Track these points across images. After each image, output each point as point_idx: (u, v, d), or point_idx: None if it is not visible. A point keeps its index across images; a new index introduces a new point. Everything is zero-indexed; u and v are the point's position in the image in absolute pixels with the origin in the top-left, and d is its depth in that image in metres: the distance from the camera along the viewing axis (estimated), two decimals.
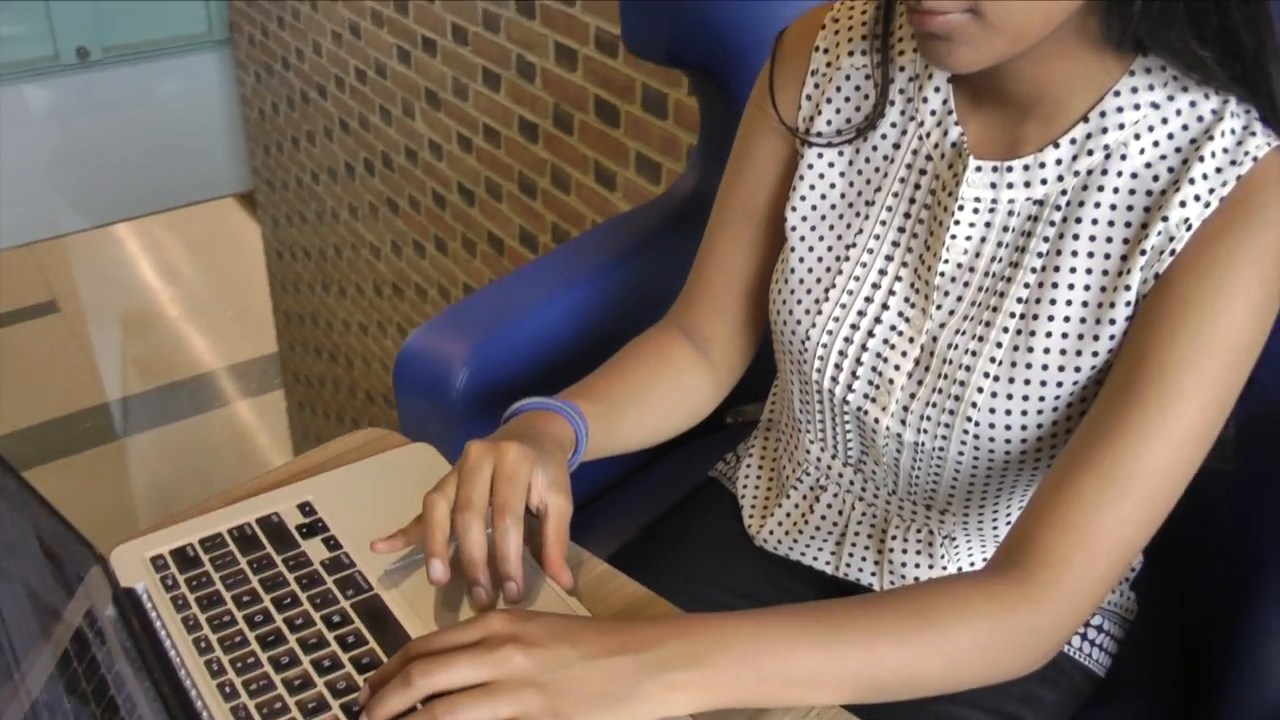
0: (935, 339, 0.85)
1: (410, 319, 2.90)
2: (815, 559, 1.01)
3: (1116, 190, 0.78)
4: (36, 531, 0.74)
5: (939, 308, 0.85)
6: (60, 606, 0.71)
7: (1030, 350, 0.81)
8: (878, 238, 0.88)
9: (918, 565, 0.96)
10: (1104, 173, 0.78)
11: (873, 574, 0.98)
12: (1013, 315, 0.82)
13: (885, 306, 0.88)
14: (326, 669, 0.75)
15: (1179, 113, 0.77)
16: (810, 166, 0.91)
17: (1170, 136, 0.77)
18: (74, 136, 3.47)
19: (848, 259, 0.89)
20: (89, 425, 4.29)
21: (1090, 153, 0.78)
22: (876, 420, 0.89)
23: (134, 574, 0.82)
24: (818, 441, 0.97)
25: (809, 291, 0.91)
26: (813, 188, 0.91)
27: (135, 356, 4.63)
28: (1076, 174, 0.79)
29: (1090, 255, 0.79)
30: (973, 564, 0.96)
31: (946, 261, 0.84)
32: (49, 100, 3.36)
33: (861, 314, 0.88)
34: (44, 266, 5.01)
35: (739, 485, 1.07)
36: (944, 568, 0.95)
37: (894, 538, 0.96)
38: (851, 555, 0.99)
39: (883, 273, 0.88)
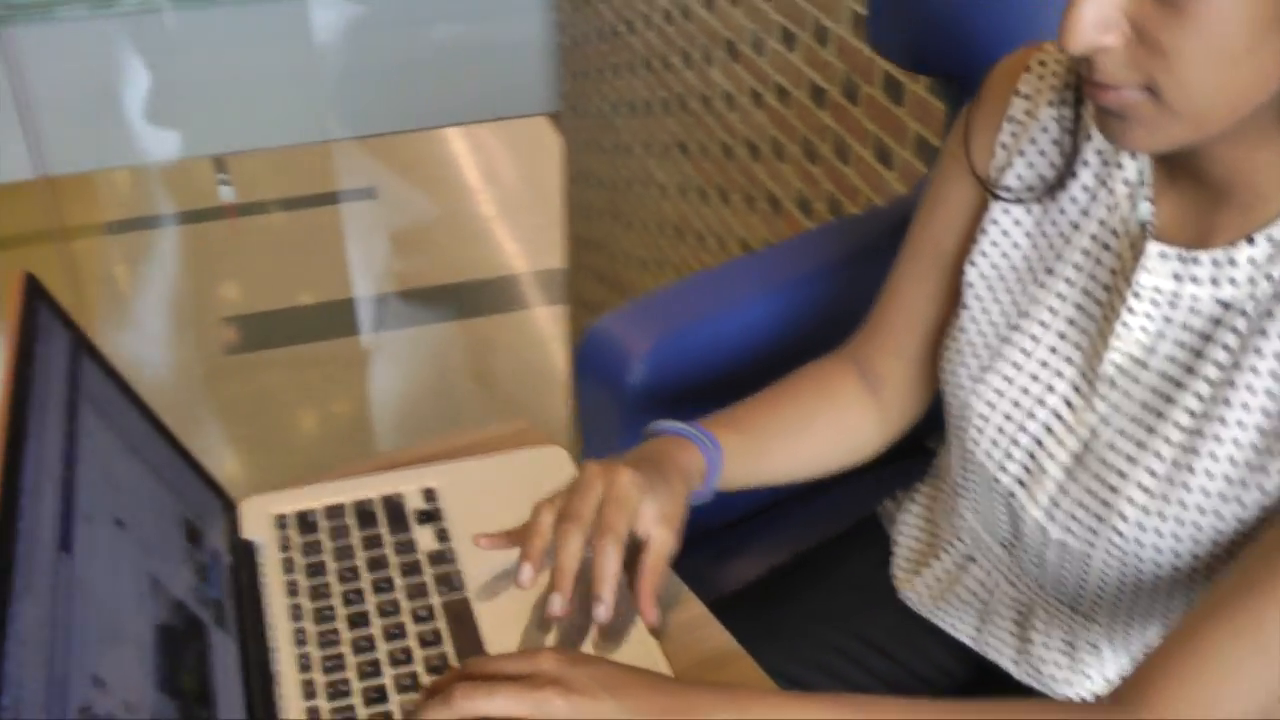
0: (1095, 435, 0.79)
1: (686, 263, 2.93)
2: (956, 628, 0.97)
3: None
4: (178, 477, 0.81)
5: (1103, 401, 0.78)
6: (189, 546, 0.77)
7: (1191, 470, 0.73)
8: (1053, 311, 0.82)
9: (1058, 665, 0.90)
10: None
11: (1013, 660, 0.93)
12: (1179, 426, 0.74)
13: (1050, 389, 0.82)
14: (398, 661, 0.78)
15: None
16: (995, 222, 0.85)
17: None
18: (409, 42, 3.69)
19: (1019, 329, 0.84)
20: (388, 309, 4.59)
21: None
22: (1024, 507, 0.83)
23: (256, 527, 0.88)
24: (972, 510, 0.92)
25: (976, 356, 0.86)
26: (995, 245, 0.86)
27: (438, 250, 4.90)
28: (1270, 278, 0.70)
29: (1274, 376, 0.70)
30: (1121, 677, 0.89)
31: (1117, 352, 0.77)
32: (394, 6, 3.60)
33: (1025, 391, 0.83)
34: (372, 157, 5.35)
35: (895, 532, 1.04)
36: (1085, 675, 0.89)
37: (1037, 630, 0.90)
38: (993, 636, 0.94)
39: (1053, 350, 0.82)
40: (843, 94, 2.10)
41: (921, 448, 1.18)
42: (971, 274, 0.86)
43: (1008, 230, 0.85)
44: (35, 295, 0.74)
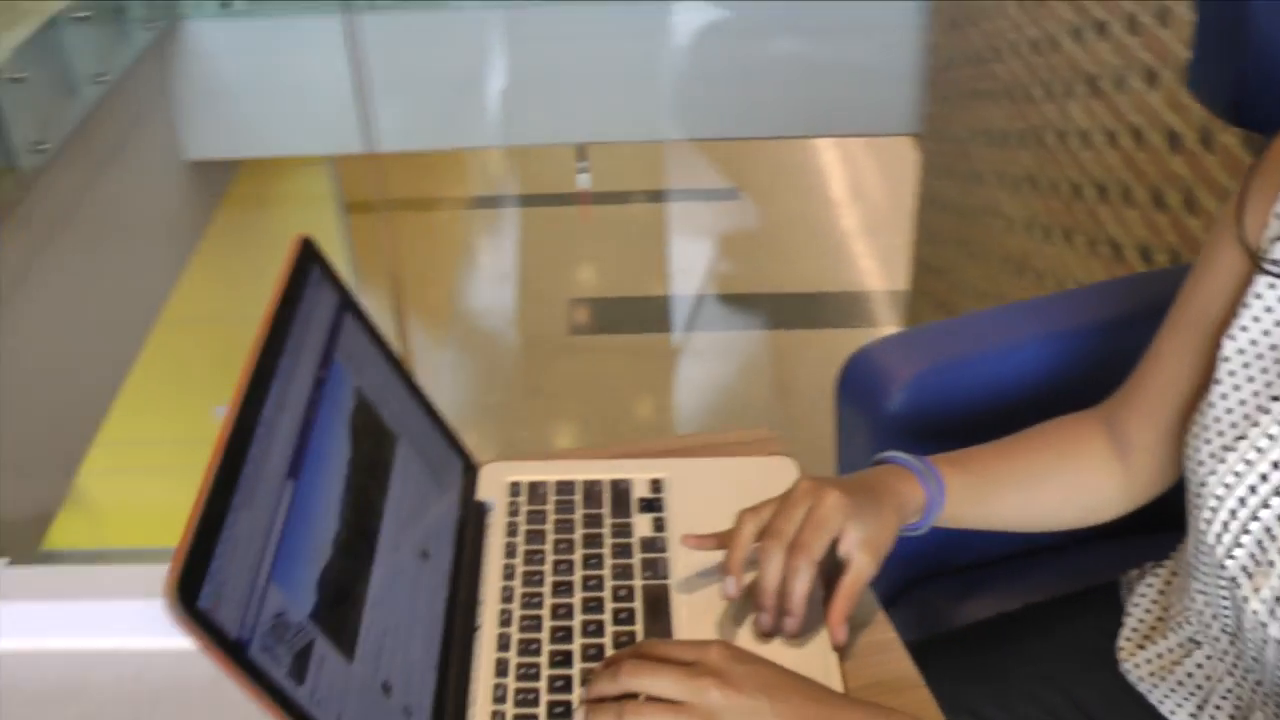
0: None
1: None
2: (1173, 713, 0.92)
3: None
4: (423, 433, 0.90)
5: None
6: (436, 496, 0.86)
7: None
8: None
9: None
10: None
11: None
12: None
13: None
14: (589, 632, 0.83)
15: None
16: (1259, 296, 0.81)
17: None
18: (779, 49, 3.76)
19: (1269, 411, 0.79)
20: (729, 309, 4.69)
21: None
22: (1245, 599, 0.79)
23: (492, 490, 0.96)
24: (1200, 592, 0.88)
25: (1220, 433, 0.82)
26: (1256, 320, 0.81)
27: (790, 257, 4.96)
28: None
29: None
30: None
31: None
32: (767, 13, 3.68)
33: (1264, 478, 0.78)
34: (734, 159, 5.48)
35: (1130, 603, 1.00)
36: None
37: None
38: None
39: None
40: (1198, 140, 2.00)
41: (1177, 522, 1.12)
42: (1228, 348, 0.83)
43: (1270, 307, 0.80)
44: (308, 255, 0.84)
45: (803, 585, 0.80)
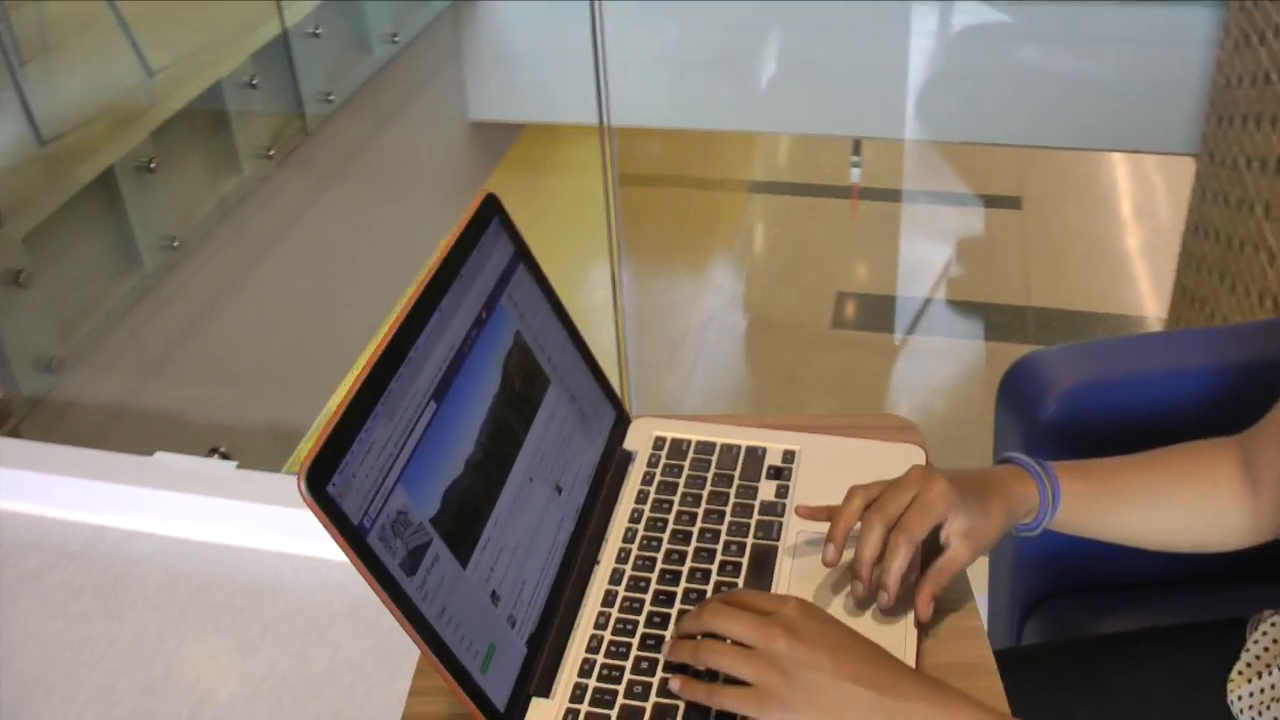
0: None
1: None
2: None
3: None
4: (580, 381, 0.99)
5: None
6: (581, 439, 0.96)
7: None
8: None
9: None
10: None
11: None
12: None
13: None
14: (694, 578, 0.91)
15: None
16: None
17: None
18: (1062, 56, 3.69)
19: None
20: (991, 318, 4.63)
21: None
22: None
23: (638, 441, 1.04)
24: None
25: None
26: None
27: (1063, 271, 4.84)
28: None
29: None
30: None
31: None
32: (1051, 19, 3.62)
33: None
34: (1021, 166, 5.37)
35: (1252, 639, 1.00)
36: None
37: None
38: None
39: None
40: None
41: None
42: None
43: None
44: (490, 207, 0.94)
45: (900, 563, 0.85)
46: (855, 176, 5.06)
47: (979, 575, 1.40)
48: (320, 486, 0.71)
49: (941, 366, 4.53)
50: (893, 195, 5.53)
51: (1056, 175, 5.52)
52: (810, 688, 0.75)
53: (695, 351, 4.94)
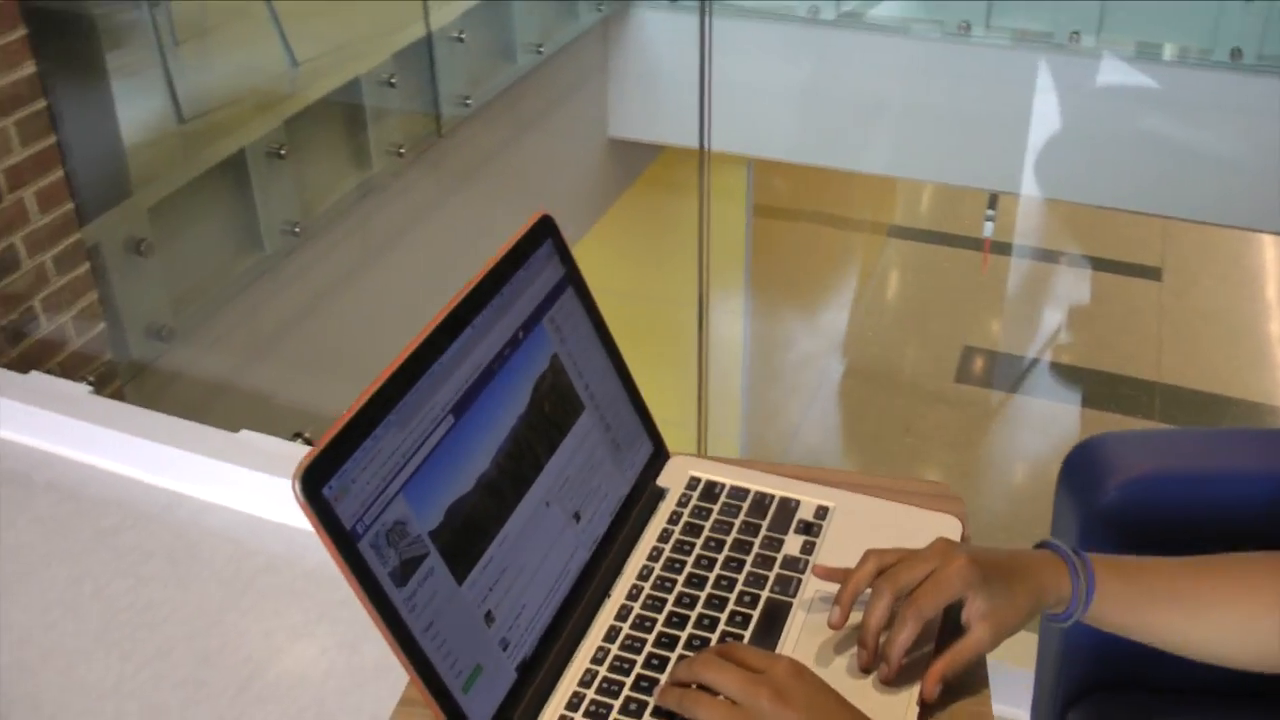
0: None
1: None
2: None
3: None
4: (618, 411, 0.99)
5: None
6: (611, 470, 0.96)
7: None
8: None
9: None
10: None
11: None
12: None
13: None
14: (701, 624, 0.89)
15: None
16: None
17: None
18: (1198, 125, 3.59)
19: None
20: (1118, 390, 4.51)
21: None
22: None
23: (672, 479, 1.03)
24: None
25: None
26: None
27: (1196, 351, 4.70)
28: None
29: None
30: None
31: None
32: (1178, 85, 3.52)
33: None
34: (1165, 238, 5.23)
35: None
36: None
37: None
38: None
39: None
40: None
41: None
42: None
43: None
44: (545, 229, 0.95)
45: (904, 637, 0.83)
46: (988, 231, 4.98)
47: (1026, 655, 1.36)
48: (316, 488, 0.71)
49: (1061, 433, 4.42)
50: (1028, 253, 5.43)
51: (1200, 250, 5.36)
52: None
53: (812, 391, 4.90)
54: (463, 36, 3.74)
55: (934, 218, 5.89)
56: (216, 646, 1.83)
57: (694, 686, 0.80)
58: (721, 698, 0.78)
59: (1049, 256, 5.32)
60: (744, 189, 5.15)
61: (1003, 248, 5.21)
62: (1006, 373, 4.74)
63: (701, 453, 1.07)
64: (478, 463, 0.83)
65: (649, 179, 5.31)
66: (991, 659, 0.88)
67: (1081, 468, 1.15)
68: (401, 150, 3.56)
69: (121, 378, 2.56)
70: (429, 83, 3.67)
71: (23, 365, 2.28)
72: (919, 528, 0.97)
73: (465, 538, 0.81)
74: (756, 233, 5.28)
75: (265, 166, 3.04)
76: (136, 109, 3.02)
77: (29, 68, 2.21)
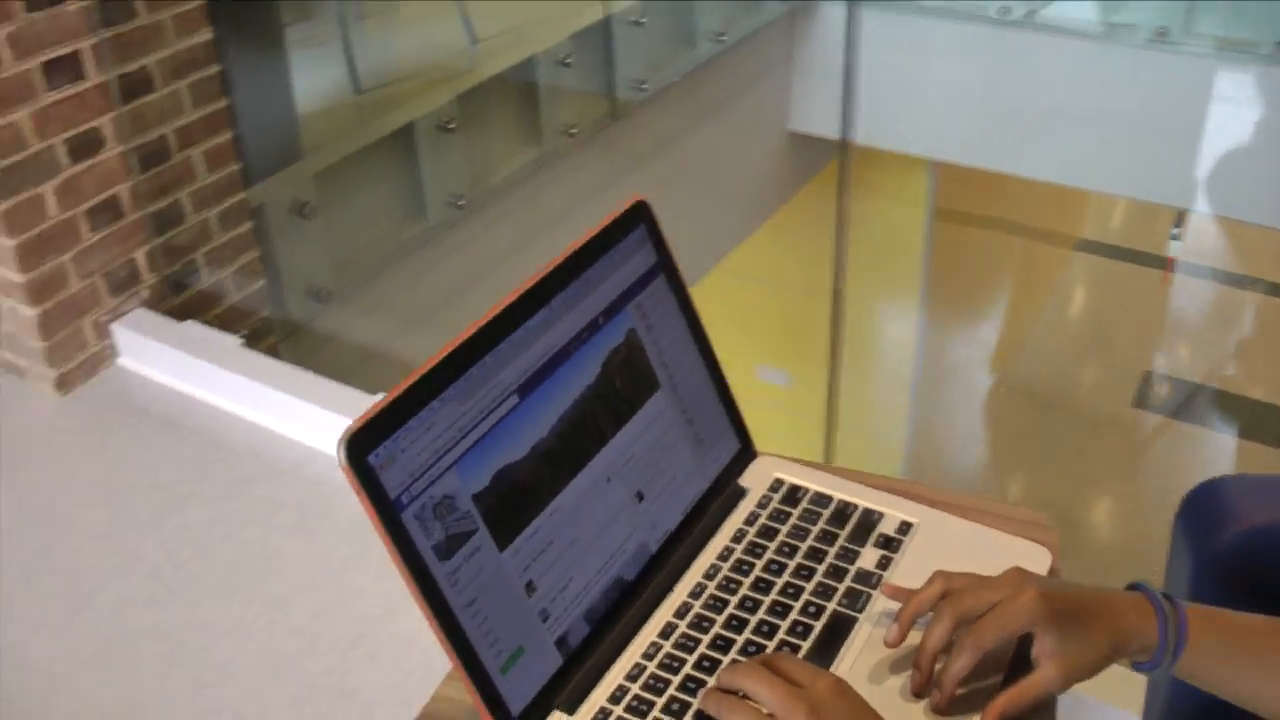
0: None
1: None
2: None
3: None
4: (703, 405, 0.97)
5: None
6: (686, 456, 0.94)
7: None
8: None
9: None
10: None
11: None
12: None
13: None
14: (759, 631, 0.87)
15: None
16: None
17: None
18: None
19: None
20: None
21: None
22: None
23: (755, 479, 1.01)
24: None
25: None
26: None
27: None
28: None
29: None
30: None
31: None
32: None
33: None
34: None
35: None
36: None
37: None
38: None
39: None
40: None
41: None
42: None
43: None
44: (639, 214, 0.94)
45: (960, 666, 0.79)
46: (1174, 250, 4.77)
47: (1134, 697, 1.30)
48: (361, 454, 0.72)
49: (1233, 468, 4.22)
50: (1214, 275, 5.20)
51: None
52: None
53: (982, 406, 4.78)
54: (642, 21, 3.75)
55: (1124, 234, 5.67)
56: (333, 601, 1.88)
57: (739, 694, 0.78)
58: (753, 707, 0.76)
59: (1237, 281, 5.07)
60: (924, 191, 5.04)
61: (1192, 269, 4.99)
62: (1189, 400, 4.54)
63: (828, 459, 1.04)
64: (536, 431, 0.82)
65: (828, 176, 5.24)
66: (1096, 697, 0.83)
67: (1199, 510, 1.09)
68: (573, 130, 3.59)
69: (276, 334, 2.64)
70: (605, 65, 3.69)
71: (181, 314, 2.38)
72: (1004, 555, 0.93)
73: (512, 504, 0.80)
74: (937, 237, 5.17)
75: (434, 139, 3.10)
76: (317, 78, 3.12)
77: (205, 34, 2.30)
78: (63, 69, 2.10)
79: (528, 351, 0.82)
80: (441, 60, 3.44)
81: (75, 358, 2.29)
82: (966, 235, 5.28)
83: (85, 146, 2.18)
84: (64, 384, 2.29)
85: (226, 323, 2.48)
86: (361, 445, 0.72)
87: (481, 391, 0.79)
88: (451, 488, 0.76)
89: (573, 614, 0.84)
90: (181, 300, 2.41)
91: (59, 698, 1.68)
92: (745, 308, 5.18)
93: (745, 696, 0.77)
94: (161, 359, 2.27)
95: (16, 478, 2.10)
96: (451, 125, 3.12)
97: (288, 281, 2.73)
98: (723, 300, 5.14)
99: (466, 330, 0.80)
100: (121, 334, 2.32)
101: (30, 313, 2.19)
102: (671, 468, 0.94)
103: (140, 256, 2.33)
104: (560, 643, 0.83)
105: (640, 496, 0.91)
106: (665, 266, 0.96)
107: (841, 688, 0.75)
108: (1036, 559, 0.94)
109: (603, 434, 0.88)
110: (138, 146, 2.27)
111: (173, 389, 2.28)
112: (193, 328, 2.32)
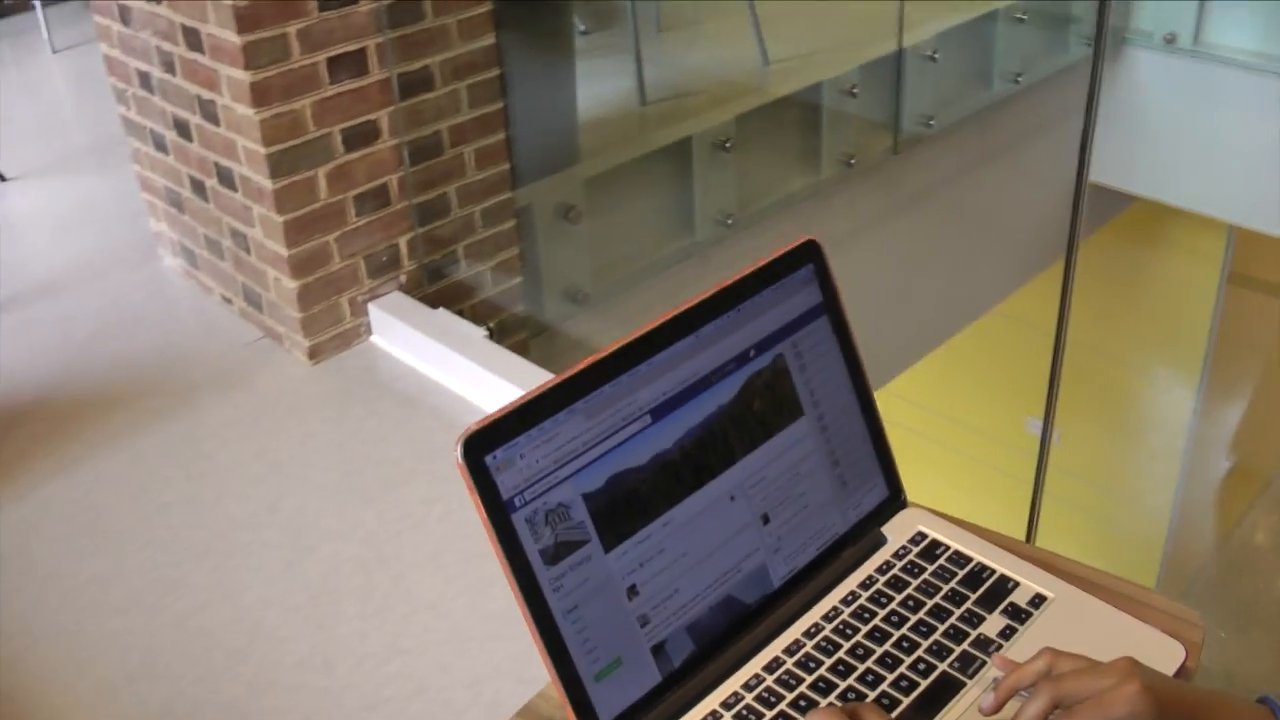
0: None
1: None
2: None
3: None
4: (852, 449, 0.99)
5: None
6: (825, 492, 0.97)
7: None
8: None
9: None
10: None
11: None
12: None
13: None
14: (864, 680, 0.88)
15: None
16: None
17: None
18: None
19: None
20: None
21: None
22: None
23: (896, 528, 1.01)
24: None
25: None
26: None
27: None
28: None
29: None
30: None
31: None
32: None
33: None
34: None
35: None
36: None
37: None
38: None
39: None
40: None
41: None
42: None
43: None
44: (808, 253, 0.96)
45: None
46: None
47: None
48: (479, 454, 0.77)
49: None
50: None
51: None
52: None
53: (1258, 498, 4.50)
54: (936, 56, 3.71)
55: None
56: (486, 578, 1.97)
57: None
58: None
59: None
60: (1219, 255, 4.78)
61: None
62: None
63: (1030, 536, 1.04)
64: (660, 443, 0.85)
65: (1117, 227, 5.03)
66: None
67: None
68: (852, 160, 3.59)
69: (528, 331, 2.76)
70: (892, 99, 3.68)
71: (434, 302, 2.52)
72: (1133, 643, 0.90)
73: (624, 509, 0.83)
74: (1229, 303, 4.89)
75: (709, 156, 3.17)
76: (606, 86, 3.24)
77: (488, 39, 2.44)
78: (347, 65, 2.28)
79: (668, 375, 0.86)
80: (731, 78, 3.50)
81: (329, 331, 2.47)
82: (1265, 304, 4.95)
83: (361, 137, 2.36)
84: (316, 354, 2.48)
85: (478, 314, 2.61)
86: (480, 446, 0.77)
87: (612, 409, 0.83)
88: (567, 497, 0.81)
89: (674, 624, 0.86)
90: (437, 288, 2.56)
91: (263, 641, 1.82)
92: (1020, 355, 5.04)
93: None
94: (410, 341, 2.43)
95: (262, 433, 2.29)
96: (727, 144, 3.18)
97: (547, 281, 2.85)
98: (995, 344, 5.00)
99: (606, 348, 0.84)
100: (376, 314, 2.49)
101: (292, 285, 2.37)
102: (804, 497, 0.96)
103: (402, 243, 2.49)
104: (658, 652, 0.85)
105: (766, 519, 0.93)
106: (830, 307, 0.98)
107: None
108: (1167, 653, 0.91)
109: (731, 452, 0.90)
110: (411, 140, 2.43)
111: (416, 370, 2.43)
112: (443, 315, 2.46)
